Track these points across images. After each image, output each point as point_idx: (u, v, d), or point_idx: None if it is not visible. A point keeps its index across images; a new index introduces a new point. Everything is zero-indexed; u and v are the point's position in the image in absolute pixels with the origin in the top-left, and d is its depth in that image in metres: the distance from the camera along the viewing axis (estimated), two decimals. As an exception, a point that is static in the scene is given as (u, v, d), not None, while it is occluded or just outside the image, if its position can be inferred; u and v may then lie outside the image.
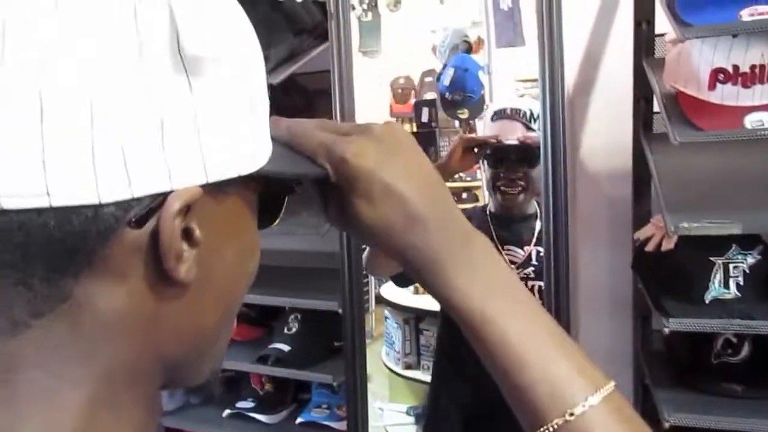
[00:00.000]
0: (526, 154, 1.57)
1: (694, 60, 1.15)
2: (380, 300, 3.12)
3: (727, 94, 1.13)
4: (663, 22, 1.31)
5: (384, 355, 3.13)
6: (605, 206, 1.66)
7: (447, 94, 2.76)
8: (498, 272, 0.51)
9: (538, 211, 1.55)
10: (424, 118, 3.32)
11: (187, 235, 0.37)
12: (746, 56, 1.12)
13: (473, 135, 2.49)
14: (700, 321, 1.16)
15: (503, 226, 1.66)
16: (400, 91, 4.17)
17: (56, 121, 0.31)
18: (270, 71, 1.46)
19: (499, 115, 1.66)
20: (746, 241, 1.22)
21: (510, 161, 1.59)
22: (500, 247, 1.66)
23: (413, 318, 3.11)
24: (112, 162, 0.33)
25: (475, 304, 0.49)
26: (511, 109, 1.66)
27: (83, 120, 0.32)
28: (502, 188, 1.61)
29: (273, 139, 0.45)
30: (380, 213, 0.48)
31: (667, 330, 1.15)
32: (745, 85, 1.13)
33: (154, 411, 0.42)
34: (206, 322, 0.43)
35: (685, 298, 1.21)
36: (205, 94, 0.36)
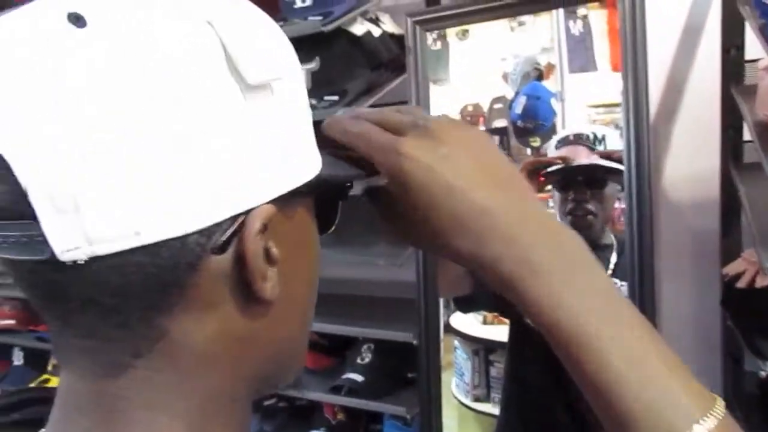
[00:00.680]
0: (592, 174, 1.53)
1: (790, 88, 1.10)
2: (449, 329, 3.08)
3: (826, 124, 1.08)
4: (753, 47, 1.26)
5: (454, 386, 3.09)
6: (690, 238, 1.60)
7: (519, 122, 2.73)
8: (592, 278, 0.45)
9: (615, 242, 1.50)
10: (495, 147, 3.29)
11: (266, 254, 0.37)
12: None
13: (538, 157, 2.46)
14: (801, 363, 1.09)
15: None
16: (468, 118, 4.16)
17: (135, 160, 0.32)
18: (348, 104, 1.48)
19: (563, 142, 1.65)
20: None
21: (577, 184, 1.55)
22: None
23: (483, 349, 3.06)
24: (189, 192, 0.33)
25: (564, 318, 0.43)
26: (574, 135, 1.66)
27: (158, 156, 0.32)
28: (571, 212, 1.57)
29: (322, 144, 0.44)
30: (445, 214, 0.44)
31: (764, 373, 1.09)
32: None
33: (245, 425, 0.43)
34: (293, 334, 0.44)
35: (783, 338, 1.15)
36: (263, 113, 0.36)
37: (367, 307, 1.83)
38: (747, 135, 1.28)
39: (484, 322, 2.74)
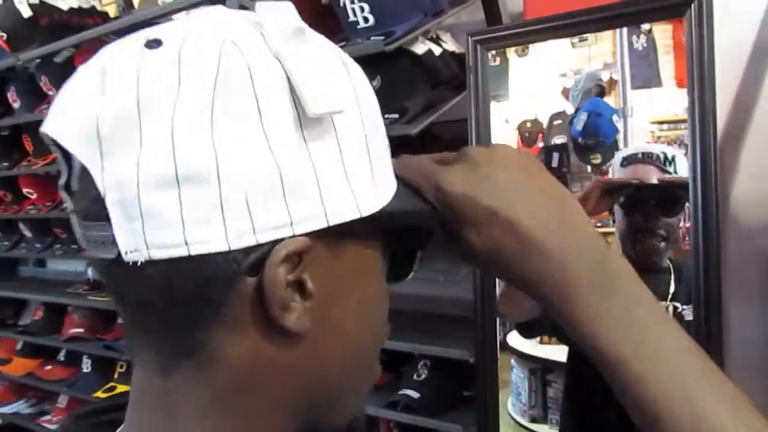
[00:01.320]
0: (668, 197, 1.48)
1: None
2: (505, 348, 3.05)
3: None
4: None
5: (510, 405, 3.05)
6: (756, 260, 1.55)
7: (580, 139, 2.70)
8: (639, 303, 0.44)
9: (671, 265, 1.46)
10: (554, 163, 3.25)
11: (300, 286, 0.39)
12: None
13: (611, 177, 2.42)
14: None
15: None
16: (527, 134, 4.12)
17: (190, 179, 0.36)
18: (408, 122, 1.50)
19: (630, 159, 1.61)
20: None
21: (649, 207, 1.51)
22: None
23: (540, 369, 3.01)
24: (238, 211, 0.36)
25: (610, 344, 0.43)
26: (643, 153, 1.60)
27: (212, 175, 0.36)
28: (640, 237, 1.52)
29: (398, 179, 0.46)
30: (490, 241, 0.44)
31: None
32: None
33: None
34: (331, 371, 0.44)
35: None
36: (318, 146, 0.39)
37: (424, 323, 1.84)
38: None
39: (541, 342, 2.70)
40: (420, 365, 1.81)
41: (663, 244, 1.52)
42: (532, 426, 2.89)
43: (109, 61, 0.39)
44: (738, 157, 1.57)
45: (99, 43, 2.15)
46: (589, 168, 3.42)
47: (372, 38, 1.44)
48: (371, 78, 1.53)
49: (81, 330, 2.58)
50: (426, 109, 1.53)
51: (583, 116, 2.77)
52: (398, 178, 0.46)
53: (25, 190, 2.66)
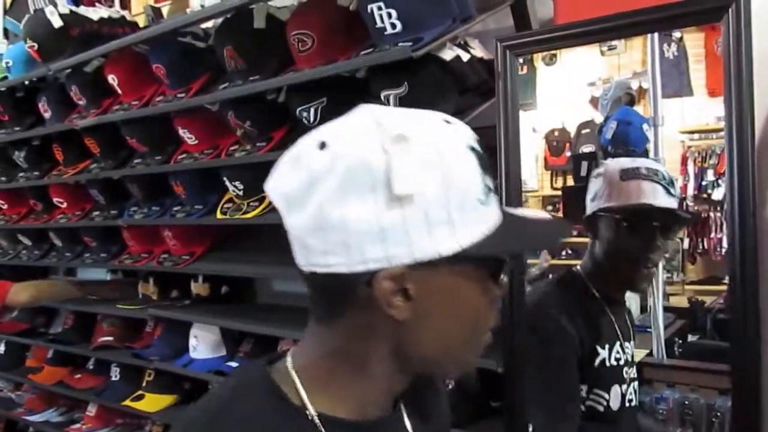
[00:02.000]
0: (676, 222, 1.48)
1: None
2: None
3: None
4: None
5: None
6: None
7: (609, 148, 2.67)
8: None
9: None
10: (583, 172, 3.21)
11: (405, 291, 0.66)
12: None
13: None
14: None
15: (617, 313, 1.57)
16: (555, 143, 4.09)
17: (325, 229, 0.65)
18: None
19: (631, 174, 1.51)
20: None
21: (653, 229, 1.46)
22: (620, 343, 1.53)
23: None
24: (353, 250, 0.65)
25: None
26: (647, 169, 1.51)
27: (338, 227, 0.64)
28: (646, 263, 1.49)
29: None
30: None
31: None
32: None
33: (398, 381, 0.75)
34: (423, 348, 0.71)
35: None
36: (409, 210, 0.63)
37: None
38: None
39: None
40: (447, 375, 1.78)
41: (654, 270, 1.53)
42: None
43: (301, 152, 0.67)
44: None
45: (129, 52, 2.17)
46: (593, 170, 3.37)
47: (399, 44, 1.43)
48: (398, 84, 1.53)
49: (110, 338, 2.60)
50: (453, 116, 1.51)
51: (613, 125, 2.74)
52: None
53: (55, 200, 2.69)
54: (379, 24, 1.47)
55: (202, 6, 1.93)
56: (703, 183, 4.69)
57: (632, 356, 1.59)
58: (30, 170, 2.77)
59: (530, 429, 1.48)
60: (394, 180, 0.62)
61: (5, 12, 3.37)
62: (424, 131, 0.65)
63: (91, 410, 2.73)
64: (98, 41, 2.21)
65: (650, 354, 2.32)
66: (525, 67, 3.28)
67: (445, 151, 0.65)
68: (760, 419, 1.27)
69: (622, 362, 1.53)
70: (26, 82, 2.68)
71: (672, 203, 1.50)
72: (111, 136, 2.34)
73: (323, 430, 0.71)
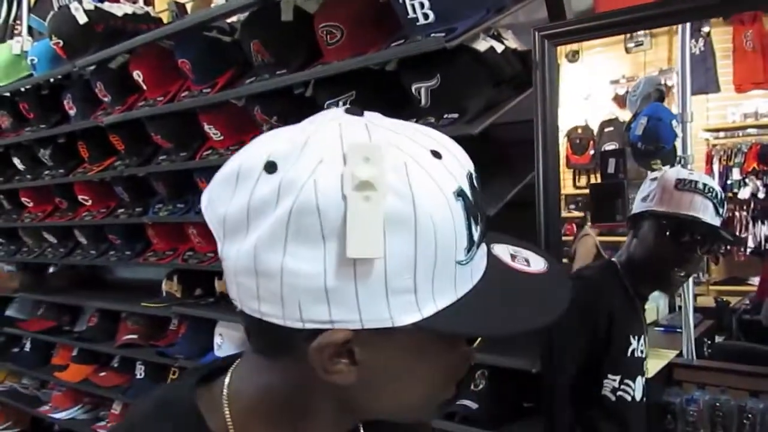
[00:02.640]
0: (720, 243, 1.56)
1: None
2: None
3: None
4: None
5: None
6: None
7: (639, 144, 2.63)
8: None
9: None
10: (611, 169, 3.17)
11: (350, 354, 0.55)
12: None
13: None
14: None
15: (642, 308, 1.61)
16: (578, 141, 4.05)
17: (264, 275, 0.53)
18: (468, 122, 1.44)
19: (688, 186, 1.53)
20: None
21: (694, 241, 1.52)
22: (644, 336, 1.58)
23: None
24: (291, 304, 0.53)
25: None
26: (704, 185, 1.54)
27: (278, 277, 0.52)
28: (684, 268, 1.56)
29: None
30: None
31: None
32: None
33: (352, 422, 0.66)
34: (378, 411, 0.62)
35: None
36: (364, 271, 0.51)
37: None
38: None
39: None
40: (477, 375, 1.74)
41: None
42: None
43: (245, 168, 0.54)
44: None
45: (154, 47, 2.16)
46: (649, 173, 3.32)
47: (432, 35, 1.39)
48: (430, 77, 1.50)
49: (134, 336, 2.59)
50: (487, 109, 1.47)
51: (643, 121, 2.69)
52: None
53: (80, 197, 2.69)
54: (411, 14, 1.43)
55: (227, 0, 1.91)
56: (729, 182, 4.62)
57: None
58: (55, 168, 2.77)
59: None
60: (349, 239, 0.49)
61: (30, 10, 3.38)
62: (400, 175, 0.51)
63: (116, 408, 2.73)
64: (123, 37, 2.20)
65: (680, 355, 2.28)
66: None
67: (422, 205, 0.51)
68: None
69: (644, 355, 1.58)
70: (51, 80, 2.68)
71: (718, 222, 1.54)
72: (136, 133, 2.34)
73: None
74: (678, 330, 2.37)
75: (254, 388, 0.62)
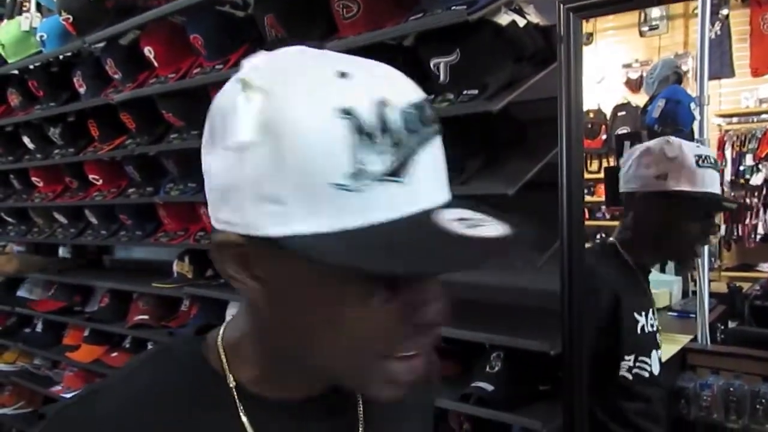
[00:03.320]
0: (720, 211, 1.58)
1: None
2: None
3: None
4: None
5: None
6: None
7: (656, 127, 2.60)
8: None
9: None
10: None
11: (249, 266, 0.57)
12: None
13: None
14: None
15: (647, 282, 1.64)
16: (590, 125, 4.02)
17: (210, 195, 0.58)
18: (489, 98, 1.41)
19: (705, 162, 1.55)
20: None
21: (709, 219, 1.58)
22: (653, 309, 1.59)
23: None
24: (213, 203, 0.58)
25: None
26: (713, 159, 1.58)
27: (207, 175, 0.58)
28: (699, 246, 1.62)
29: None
30: None
31: None
32: None
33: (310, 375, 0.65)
34: (310, 355, 0.59)
35: None
36: (241, 175, 0.53)
37: (501, 314, 1.76)
38: None
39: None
40: (492, 357, 1.72)
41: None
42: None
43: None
44: None
45: (165, 23, 2.13)
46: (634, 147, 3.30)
47: (453, 8, 1.35)
48: (449, 51, 1.46)
49: (146, 317, 2.58)
50: (508, 86, 1.44)
51: (661, 103, 2.65)
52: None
53: (90, 177, 2.67)
54: (430, -13, 1.40)
55: (240, -27, 1.88)
56: (741, 168, 4.58)
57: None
58: (65, 147, 2.75)
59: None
60: (226, 131, 0.53)
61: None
62: (278, 81, 0.53)
63: (128, 389, 2.72)
64: (134, 13, 2.16)
65: (693, 340, 2.27)
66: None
67: (290, 111, 0.51)
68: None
69: (655, 328, 1.59)
70: (61, 57, 2.65)
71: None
72: (147, 111, 2.31)
73: (238, 401, 0.63)
74: (691, 315, 2.36)
75: (236, 329, 0.65)
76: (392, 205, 0.52)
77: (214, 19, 1.98)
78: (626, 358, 1.51)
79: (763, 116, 4.24)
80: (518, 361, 1.67)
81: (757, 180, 4.36)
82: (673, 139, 1.59)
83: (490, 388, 1.64)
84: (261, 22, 1.80)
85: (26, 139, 2.93)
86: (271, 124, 0.51)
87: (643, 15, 4.10)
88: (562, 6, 1.32)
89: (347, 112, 0.50)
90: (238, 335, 0.65)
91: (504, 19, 1.39)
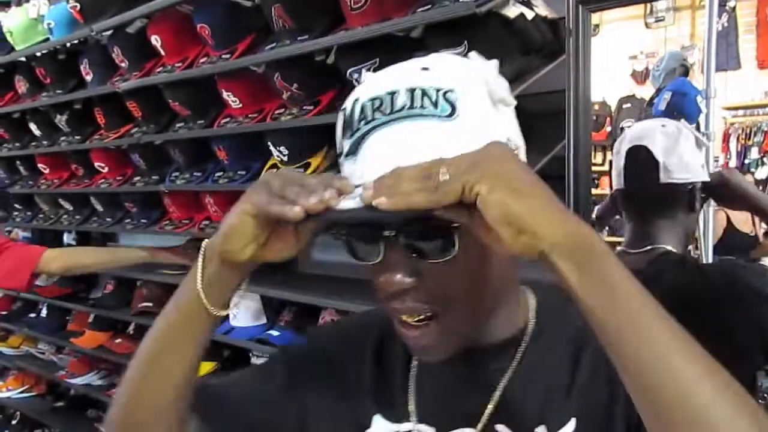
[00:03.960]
0: None
1: None
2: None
3: None
4: None
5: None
6: None
7: (662, 119, 2.59)
8: (622, 278, 0.55)
9: None
10: (632, 145, 3.14)
11: None
12: None
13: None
14: None
15: None
16: (594, 117, 4.00)
17: None
18: (496, 91, 1.41)
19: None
20: None
21: None
22: None
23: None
24: None
25: (587, 308, 0.54)
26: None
27: None
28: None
29: None
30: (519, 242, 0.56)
31: None
32: None
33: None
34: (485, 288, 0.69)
35: None
36: None
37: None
38: None
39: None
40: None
41: None
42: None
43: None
44: None
45: (173, 12, 2.13)
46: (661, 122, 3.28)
47: (461, 0, 1.35)
48: (457, 43, 1.46)
49: (150, 304, 2.59)
50: (515, 78, 1.43)
51: (667, 95, 2.64)
52: None
53: (96, 164, 2.68)
54: (438, -22, 1.40)
55: (248, -37, 1.88)
56: (746, 161, 4.55)
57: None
58: (72, 134, 2.75)
59: None
60: None
61: (46, -27, 3.34)
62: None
63: (132, 375, 2.74)
64: (141, 1, 2.16)
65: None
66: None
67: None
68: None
69: None
70: (68, 44, 2.65)
71: None
72: (153, 100, 2.31)
73: None
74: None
75: None
76: (351, 178, 0.64)
77: (222, 8, 1.97)
78: None
79: (768, 109, 4.21)
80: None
81: (762, 174, 4.34)
82: (668, 121, 1.48)
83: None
84: (268, 12, 1.80)
85: (33, 126, 2.94)
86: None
87: (649, 7, 4.07)
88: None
89: (344, 108, 0.68)
90: None
91: (512, 11, 1.39)
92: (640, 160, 1.38)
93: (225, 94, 2.04)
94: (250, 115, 2.02)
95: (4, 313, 3.53)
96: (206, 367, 2.39)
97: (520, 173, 0.56)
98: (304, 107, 1.85)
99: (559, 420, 0.69)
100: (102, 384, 2.99)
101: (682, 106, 2.53)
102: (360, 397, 0.78)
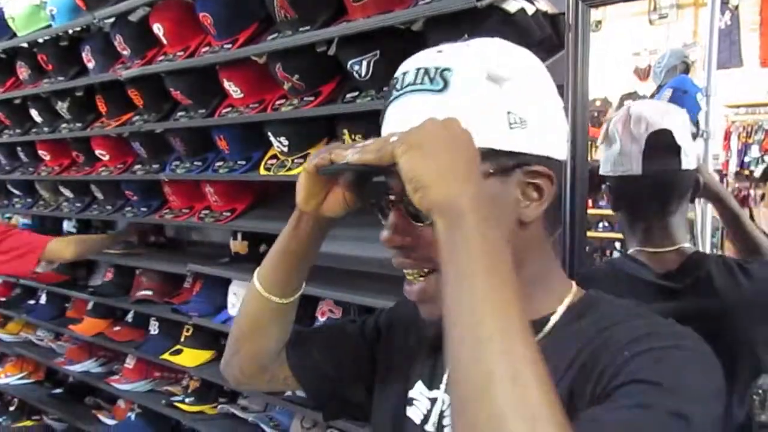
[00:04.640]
0: None
1: None
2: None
3: None
4: None
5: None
6: None
7: (662, 117, 2.59)
8: (475, 238, 0.61)
9: None
10: (632, 142, 3.15)
11: None
12: None
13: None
14: None
15: None
16: (595, 114, 4.00)
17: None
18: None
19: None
20: None
21: None
22: None
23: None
24: None
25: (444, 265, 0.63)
26: None
27: None
28: None
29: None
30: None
31: None
32: None
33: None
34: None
35: None
36: None
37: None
38: None
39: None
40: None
41: None
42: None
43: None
44: None
45: (174, 1, 2.13)
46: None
47: (462, -7, 1.36)
48: (457, 37, 1.45)
49: (149, 293, 2.60)
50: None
51: (667, 93, 2.64)
52: None
53: (97, 152, 2.68)
54: (440, -28, 1.40)
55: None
56: (746, 160, 4.55)
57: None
58: (73, 121, 2.76)
59: None
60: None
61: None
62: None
63: (130, 363, 2.76)
64: (144, -11, 2.17)
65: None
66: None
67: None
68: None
69: None
70: (70, 31, 2.66)
71: None
72: (155, 88, 2.31)
73: None
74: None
75: None
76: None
77: (224, -2, 1.98)
78: None
79: (773, 107, 4.20)
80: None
81: (759, 172, 4.33)
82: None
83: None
84: (271, 3, 1.80)
85: (34, 112, 2.94)
86: None
87: (653, 3, 4.07)
88: (571, -6, 1.32)
89: None
90: None
91: (513, 5, 1.39)
92: (663, 144, 1.27)
93: (226, 84, 2.04)
94: (250, 105, 2.03)
95: (3, 299, 3.54)
96: (204, 356, 2.40)
97: (434, 140, 0.65)
98: (305, 98, 1.86)
99: None
100: (100, 371, 3.00)
101: (682, 103, 2.53)
102: (415, 359, 0.90)
